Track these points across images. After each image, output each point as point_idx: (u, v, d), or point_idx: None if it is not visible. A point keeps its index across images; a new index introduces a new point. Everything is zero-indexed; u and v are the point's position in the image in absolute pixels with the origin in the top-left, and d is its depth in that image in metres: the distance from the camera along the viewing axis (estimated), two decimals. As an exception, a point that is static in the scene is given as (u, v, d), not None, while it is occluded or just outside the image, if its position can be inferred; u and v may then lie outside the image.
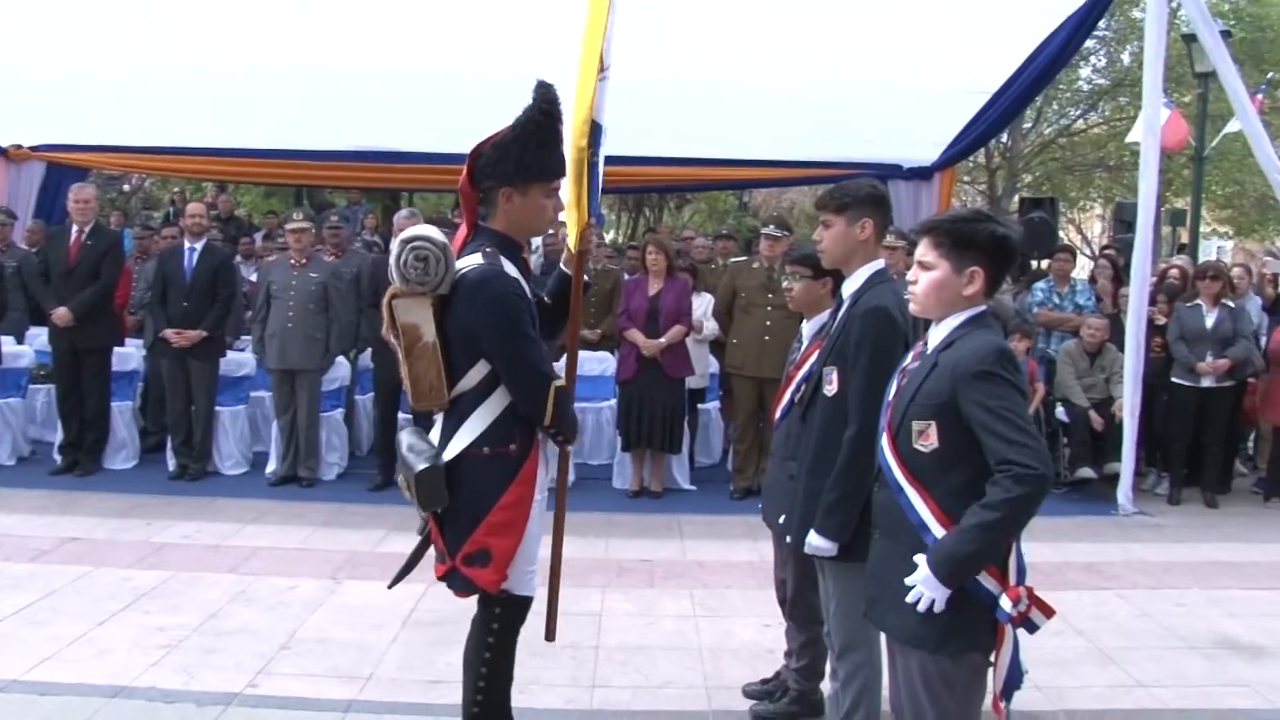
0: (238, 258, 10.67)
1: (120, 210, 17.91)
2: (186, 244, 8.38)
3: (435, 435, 3.56)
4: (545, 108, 3.48)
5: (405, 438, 3.56)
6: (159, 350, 8.40)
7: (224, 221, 13.22)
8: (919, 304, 3.02)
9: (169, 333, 8.16)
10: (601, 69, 3.86)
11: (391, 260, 3.39)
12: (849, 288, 3.83)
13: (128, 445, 8.76)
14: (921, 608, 2.80)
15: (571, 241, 3.78)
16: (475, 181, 3.54)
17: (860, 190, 3.83)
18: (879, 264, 3.84)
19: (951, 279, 2.93)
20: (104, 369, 8.48)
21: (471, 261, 3.44)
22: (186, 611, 5.45)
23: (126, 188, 23.84)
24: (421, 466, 3.40)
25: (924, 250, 2.99)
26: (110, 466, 8.58)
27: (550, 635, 3.95)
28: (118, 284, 8.63)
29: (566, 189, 3.73)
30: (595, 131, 3.84)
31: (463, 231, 3.66)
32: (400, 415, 8.32)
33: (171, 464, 8.45)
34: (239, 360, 8.98)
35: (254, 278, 9.76)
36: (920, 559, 2.82)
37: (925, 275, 2.98)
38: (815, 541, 3.68)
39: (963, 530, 2.76)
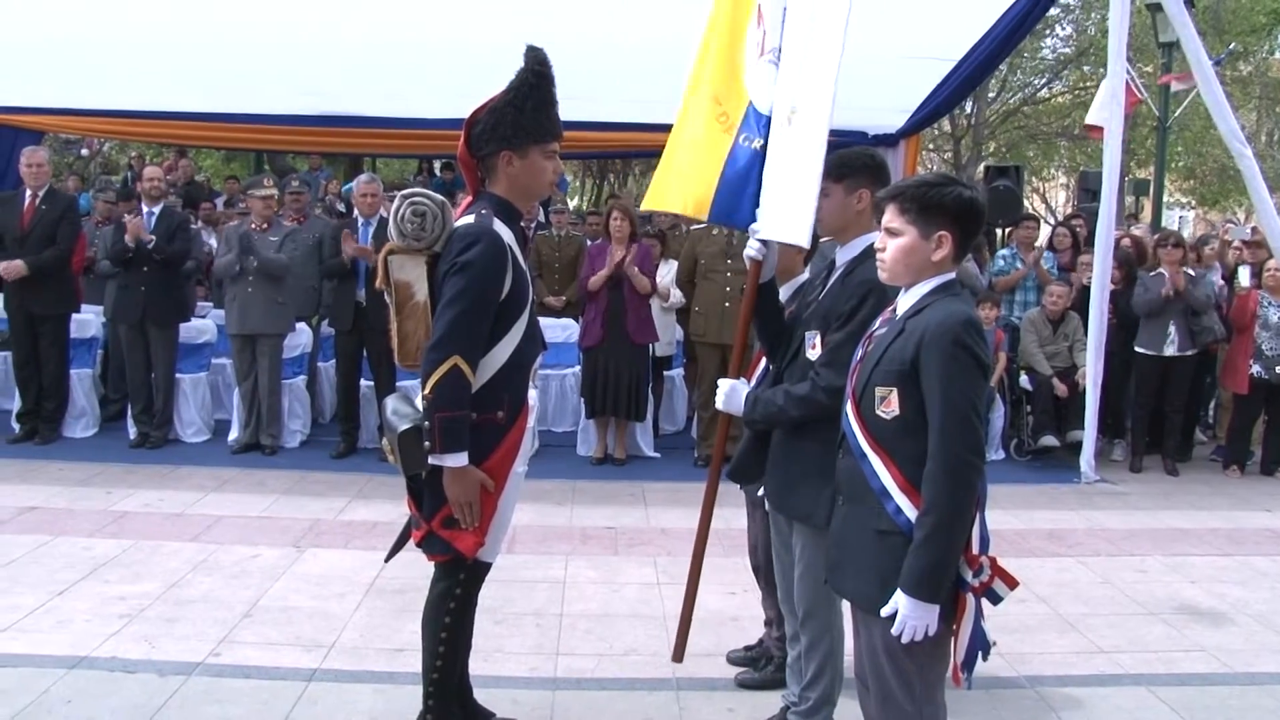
0: (199, 224, 10.56)
1: (77, 175, 17.64)
2: (145, 208, 8.27)
3: (420, 401, 3.49)
4: (537, 69, 3.46)
5: (390, 402, 3.55)
6: (119, 316, 8.30)
7: (183, 186, 13.05)
8: (888, 271, 2.98)
9: None
10: (764, 50, 3.87)
11: (391, 215, 3.39)
12: (843, 255, 3.73)
13: (87, 413, 8.68)
14: (917, 638, 2.76)
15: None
16: (473, 149, 3.51)
17: (858, 160, 3.74)
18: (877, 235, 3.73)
19: (919, 244, 2.90)
20: (61, 336, 8.39)
21: (466, 220, 3.43)
22: (147, 580, 5.40)
23: (85, 152, 23.49)
24: (405, 427, 3.36)
25: (890, 217, 2.95)
26: (70, 434, 8.51)
27: (679, 656, 4.10)
28: (74, 249, 8.49)
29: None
30: (755, 118, 3.93)
31: (467, 200, 3.64)
32: (363, 383, 8.28)
33: (132, 432, 8.37)
34: (199, 327, 8.89)
35: (214, 243, 9.64)
36: (896, 595, 2.78)
37: (893, 242, 2.94)
38: None
39: (916, 546, 2.75)
